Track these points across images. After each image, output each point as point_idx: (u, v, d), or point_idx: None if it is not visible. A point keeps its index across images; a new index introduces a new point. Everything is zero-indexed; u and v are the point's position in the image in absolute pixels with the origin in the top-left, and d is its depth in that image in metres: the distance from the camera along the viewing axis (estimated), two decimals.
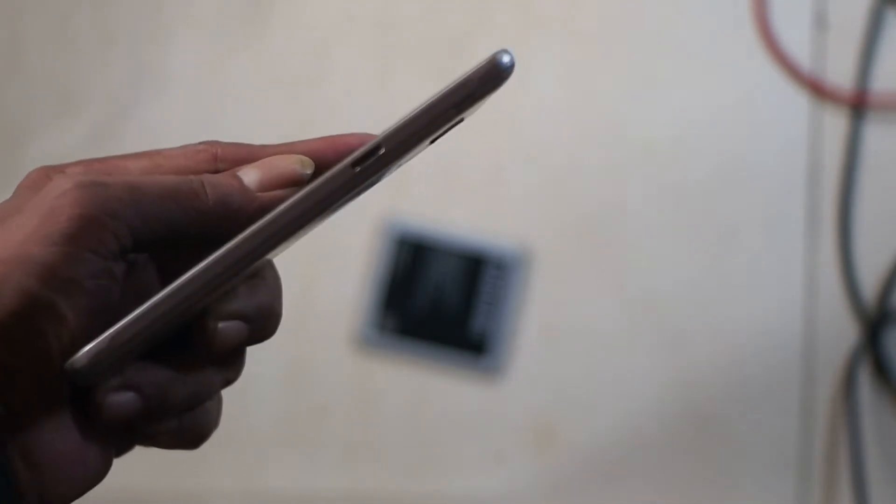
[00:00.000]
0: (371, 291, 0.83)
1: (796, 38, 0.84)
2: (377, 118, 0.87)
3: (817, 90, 0.83)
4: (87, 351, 0.31)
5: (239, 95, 0.87)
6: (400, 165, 0.34)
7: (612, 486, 0.81)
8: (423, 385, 0.82)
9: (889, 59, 0.84)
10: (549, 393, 0.82)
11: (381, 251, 0.83)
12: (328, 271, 0.83)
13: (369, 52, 0.87)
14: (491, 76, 0.33)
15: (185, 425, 0.35)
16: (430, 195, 0.84)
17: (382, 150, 0.33)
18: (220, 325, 0.34)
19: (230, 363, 0.35)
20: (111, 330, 0.32)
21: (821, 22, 0.84)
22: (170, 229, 0.33)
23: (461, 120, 0.34)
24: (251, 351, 0.36)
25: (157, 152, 0.35)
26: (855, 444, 0.78)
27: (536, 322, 0.82)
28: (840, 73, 0.83)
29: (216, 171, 0.35)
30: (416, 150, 0.34)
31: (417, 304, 0.82)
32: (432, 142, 0.34)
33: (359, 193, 0.34)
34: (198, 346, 0.34)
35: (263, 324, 0.35)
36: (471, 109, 0.34)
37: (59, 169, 0.34)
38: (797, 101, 0.83)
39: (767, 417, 0.80)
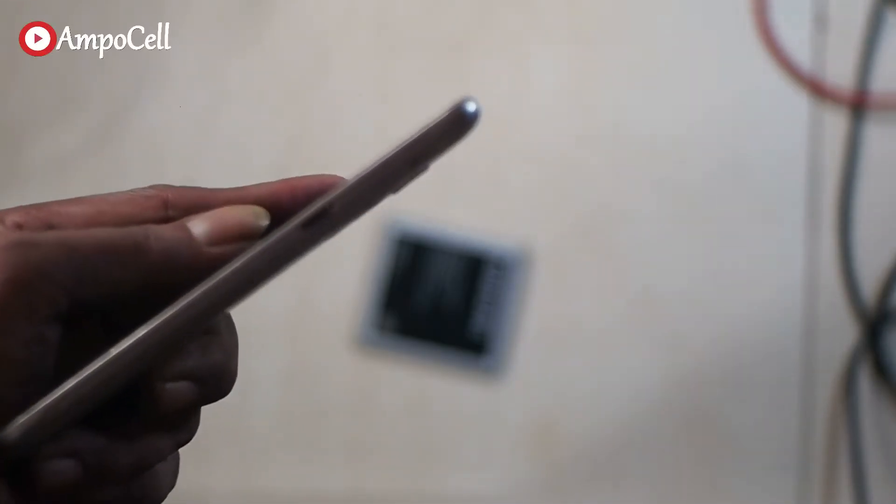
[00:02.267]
0: (371, 291, 0.83)
1: (796, 38, 0.84)
2: (377, 119, 0.87)
3: (817, 90, 0.83)
4: (20, 425, 0.29)
5: (239, 95, 0.87)
6: (358, 217, 0.32)
7: (611, 485, 0.81)
8: (423, 385, 0.82)
9: (889, 59, 0.84)
10: (549, 393, 0.82)
11: (381, 251, 0.83)
12: (328, 271, 0.83)
13: (369, 52, 0.87)
14: (453, 128, 0.30)
15: (133, 493, 0.32)
16: (430, 195, 0.83)
17: (334, 210, 0.31)
18: (168, 385, 0.31)
19: (180, 425, 0.33)
20: (45, 402, 0.30)
21: (821, 22, 0.84)
22: (110, 287, 0.30)
23: (426, 168, 0.31)
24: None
25: (102, 198, 0.33)
26: (855, 444, 0.78)
27: (536, 322, 0.82)
28: (840, 73, 0.83)
29: (166, 219, 0.33)
30: (373, 205, 0.32)
31: (417, 304, 0.82)
32: (396, 191, 0.32)
33: (313, 248, 0.32)
34: (143, 408, 0.31)
35: (216, 383, 0.33)
36: (434, 159, 0.31)
37: None
38: (797, 101, 0.83)
39: (767, 417, 0.80)
